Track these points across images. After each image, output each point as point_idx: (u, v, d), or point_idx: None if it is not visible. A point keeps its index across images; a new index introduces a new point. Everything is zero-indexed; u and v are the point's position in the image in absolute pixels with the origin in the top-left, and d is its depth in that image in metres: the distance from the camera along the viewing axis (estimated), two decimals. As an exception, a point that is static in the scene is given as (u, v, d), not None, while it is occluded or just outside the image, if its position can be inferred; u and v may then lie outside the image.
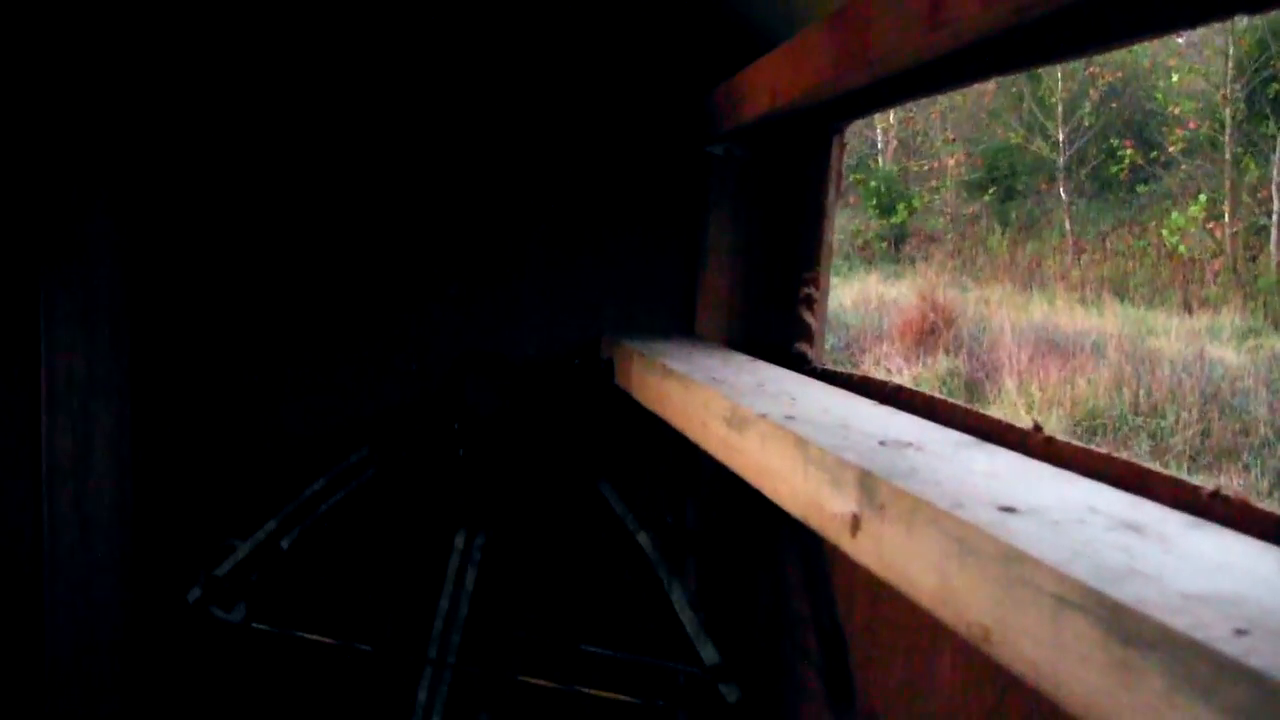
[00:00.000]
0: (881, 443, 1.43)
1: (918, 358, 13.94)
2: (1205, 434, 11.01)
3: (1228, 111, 19.17)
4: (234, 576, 2.57)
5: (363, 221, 2.78)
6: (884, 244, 22.93)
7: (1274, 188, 18.13)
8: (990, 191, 22.68)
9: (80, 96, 2.54)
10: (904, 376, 12.64)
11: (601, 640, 2.67)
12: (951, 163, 23.57)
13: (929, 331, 14.56)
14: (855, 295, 17.61)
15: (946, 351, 13.98)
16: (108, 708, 2.68)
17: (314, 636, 2.60)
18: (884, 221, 22.96)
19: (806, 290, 2.64)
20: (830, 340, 13.42)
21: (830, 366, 2.57)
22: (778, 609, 2.64)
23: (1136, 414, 11.67)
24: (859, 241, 22.94)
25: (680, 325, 2.89)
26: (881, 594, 2.04)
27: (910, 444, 1.42)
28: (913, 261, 21.34)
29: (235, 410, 2.77)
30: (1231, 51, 18.99)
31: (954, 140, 23.90)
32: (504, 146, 2.82)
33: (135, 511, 2.70)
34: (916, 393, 1.95)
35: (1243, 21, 17.28)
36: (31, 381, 2.58)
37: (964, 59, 1.64)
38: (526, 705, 2.75)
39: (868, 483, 1.25)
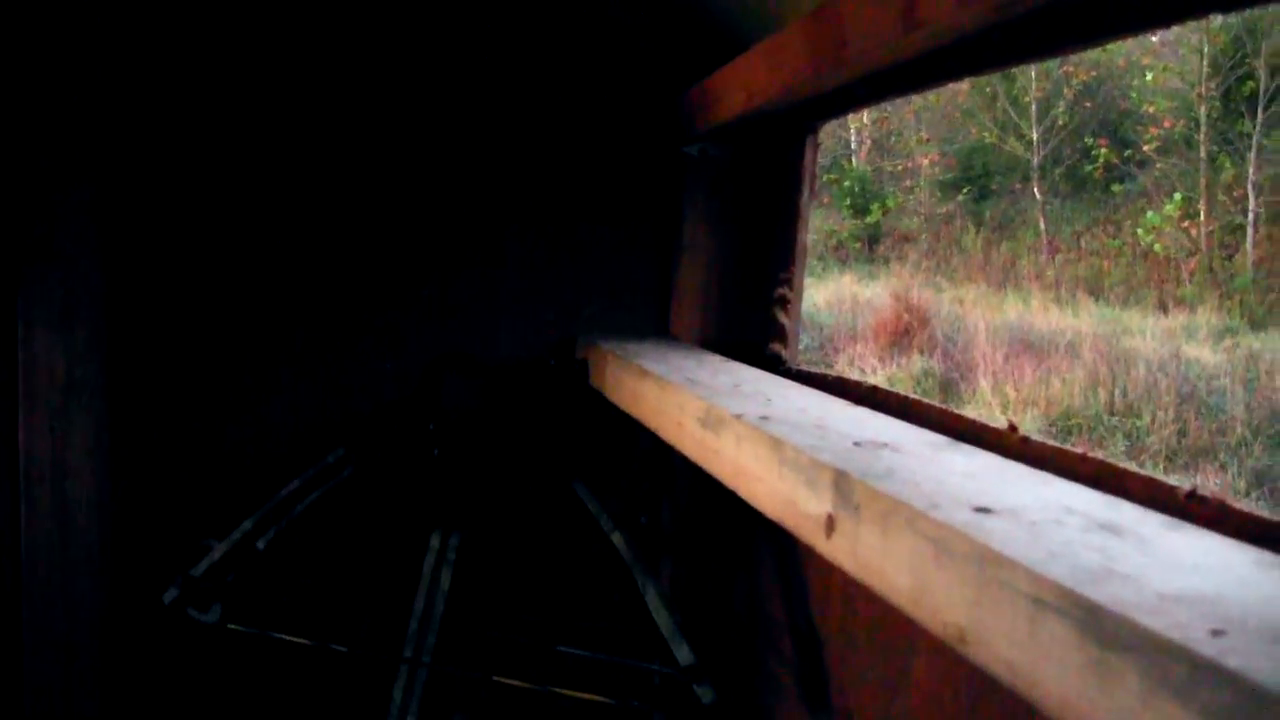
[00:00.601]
0: (857, 443, 1.42)
1: (892, 358, 13.96)
2: (1182, 434, 11.05)
3: (1203, 110, 19.25)
4: (210, 577, 2.56)
5: (338, 223, 2.77)
6: (858, 244, 22.95)
7: (1249, 186, 18.22)
8: (965, 191, 22.73)
9: (61, 97, 2.52)
10: (878, 377, 12.67)
11: (577, 640, 2.67)
12: (926, 162, 23.61)
13: (903, 331, 14.59)
14: (829, 295, 17.62)
15: (921, 351, 14.01)
16: (85, 708, 2.67)
17: (290, 637, 2.59)
18: (858, 221, 22.99)
19: (781, 290, 2.64)
20: (804, 340, 13.44)
21: (804, 367, 2.57)
22: (753, 610, 2.64)
23: (1112, 414, 11.71)
24: (833, 242, 22.94)
25: (655, 326, 2.89)
26: (857, 595, 2.04)
27: (886, 445, 1.42)
28: (887, 261, 21.37)
29: (212, 411, 2.76)
30: (1206, 50, 19.06)
31: (928, 140, 23.92)
32: (479, 146, 2.81)
33: (113, 512, 2.69)
34: (892, 393, 1.95)
35: (1217, 20, 17.38)
36: (9, 383, 2.56)
37: (939, 58, 1.64)
38: (501, 706, 2.74)
39: (843, 483, 1.25)
